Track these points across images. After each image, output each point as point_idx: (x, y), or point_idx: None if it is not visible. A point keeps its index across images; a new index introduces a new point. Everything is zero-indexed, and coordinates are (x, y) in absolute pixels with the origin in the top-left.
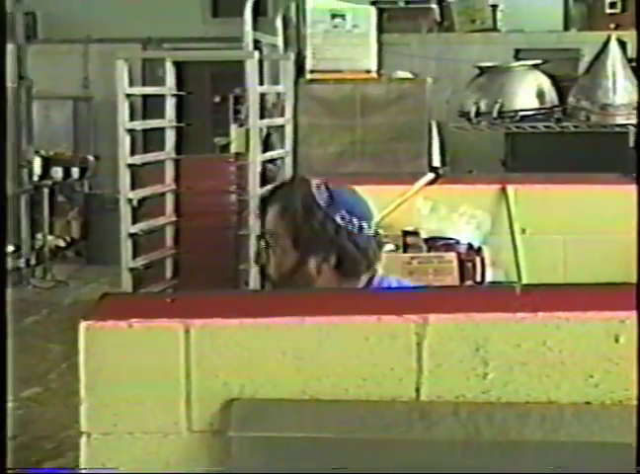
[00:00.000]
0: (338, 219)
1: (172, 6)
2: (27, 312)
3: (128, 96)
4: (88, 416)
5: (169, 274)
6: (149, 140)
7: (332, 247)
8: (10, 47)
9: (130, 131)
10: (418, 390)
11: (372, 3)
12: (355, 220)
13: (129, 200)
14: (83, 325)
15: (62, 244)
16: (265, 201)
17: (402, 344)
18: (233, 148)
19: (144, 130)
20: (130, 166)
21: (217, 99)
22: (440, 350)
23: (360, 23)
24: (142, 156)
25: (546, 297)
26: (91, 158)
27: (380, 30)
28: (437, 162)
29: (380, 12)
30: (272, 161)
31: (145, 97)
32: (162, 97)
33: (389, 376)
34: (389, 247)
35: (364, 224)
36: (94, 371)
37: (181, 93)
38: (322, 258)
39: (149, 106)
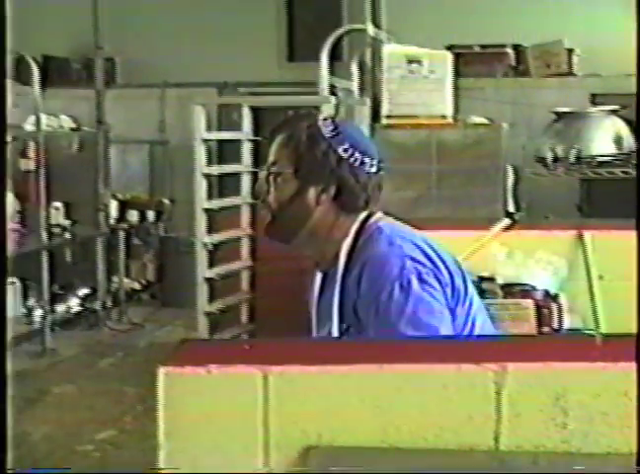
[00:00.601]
0: (341, 151)
1: (248, 51)
2: (103, 354)
3: (205, 141)
4: (167, 461)
5: (245, 318)
6: (225, 184)
7: (332, 178)
8: (90, 93)
9: (207, 176)
10: (497, 439)
11: (448, 48)
12: (357, 154)
13: (205, 245)
14: (162, 371)
15: (138, 287)
16: (272, 132)
17: (481, 392)
18: None
19: (220, 174)
20: (207, 210)
21: None
22: (519, 399)
23: (436, 68)
24: (219, 201)
25: (626, 346)
26: (166, 201)
27: (456, 74)
28: (512, 207)
29: (456, 57)
30: None
31: (221, 141)
32: (238, 141)
33: (468, 425)
34: None
35: (367, 160)
36: (173, 417)
37: (257, 138)
38: (322, 188)
39: (225, 150)
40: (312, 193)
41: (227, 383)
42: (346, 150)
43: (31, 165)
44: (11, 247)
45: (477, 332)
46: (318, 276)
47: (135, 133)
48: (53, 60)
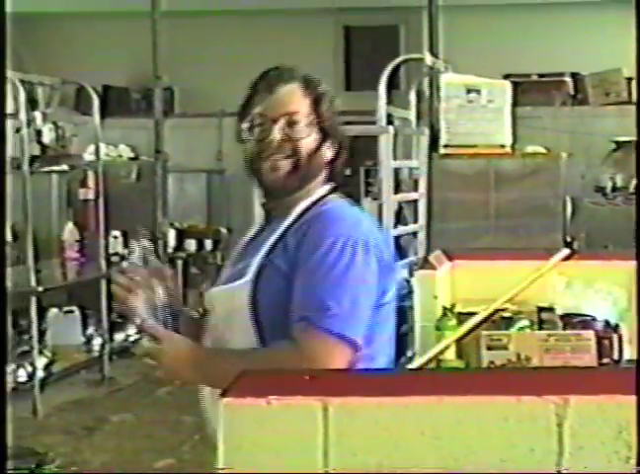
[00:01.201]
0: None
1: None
2: (160, 383)
3: None
4: None
5: None
6: None
7: (339, 135)
8: (148, 122)
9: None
10: (558, 472)
11: (505, 76)
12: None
13: None
14: (222, 401)
15: (195, 315)
16: (272, 80)
17: (542, 425)
18: None
19: None
20: None
21: (348, 172)
22: (581, 431)
23: (494, 97)
24: None
25: None
26: (224, 230)
27: (514, 103)
28: (571, 237)
29: (514, 85)
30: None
31: None
32: None
33: (529, 457)
34: (524, 323)
35: None
36: (233, 448)
37: None
38: (331, 143)
39: None
40: (326, 146)
41: (287, 414)
42: (340, 113)
43: (90, 194)
44: (70, 276)
45: (385, 330)
46: (259, 222)
47: (193, 162)
48: (113, 90)
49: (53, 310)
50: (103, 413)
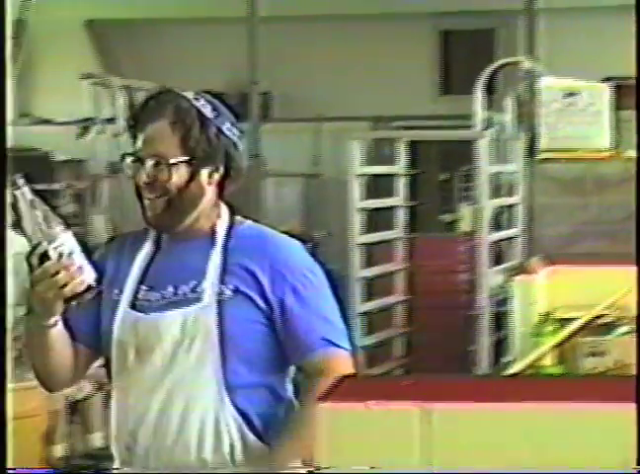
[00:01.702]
0: (225, 130)
1: (401, 85)
2: None
3: (360, 175)
4: None
5: (399, 352)
6: (377, 217)
7: (222, 158)
8: (246, 126)
9: (361, 210)
10: None
11: (605, 79)
12: (237, 132)
13: (360, 279)
14: (322, 406)
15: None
16: (136, 120)
17: None
18: (462, 226)
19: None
20: (361, 244)
21: (444, 176)
22: None
23: (594, 100)
24: (373, 235)
25: None
26: (320, 234)
27: (614, 107)
28: None
29: (614, 88)
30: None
31: (374, 175)
32: (390, 174)
33: (630, 465)
34: (625, 329)
35: (240, 135)
36: (331, 453)
37: (412, 172)
38: (214, 168)
39: (378, 183)
40: (205, 174)
41: (386, 420)
42: (229, 129)
43: None
44: None
45: None
46: (149, 243)
47: (290, 167)
48: (210, 95)
49: None
50: None
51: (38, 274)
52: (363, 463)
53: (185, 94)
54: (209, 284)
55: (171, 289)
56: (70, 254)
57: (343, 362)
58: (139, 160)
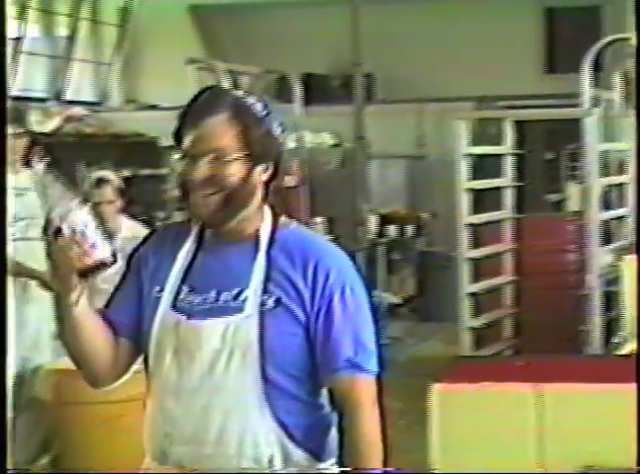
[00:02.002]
0: (275, 129)
1: (505, 64)
2: None
3: (466, 155)
4: None
5: (508, 333)
6: (483, 198)
7: (272, 156)
8: (349, 109)
9: (468, 190)
10: None
11: None
12: (282, 131)
13: (468, 260)
14: (436, 387)
15: (398, 301)
16: (198, 112)
17: None
18: (570, 206)
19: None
20: (469, 225)
21: (550, 155)
22: None
23: None
24: (481, 216)
25: None
26: (425, 216)
27: None
28: None
29: None
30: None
31: (479, 155)
32: (496, 155)
33: None
34: None
35: (285, 136)
36: (445, 433)
37: (519, 152)
38: (266, 167)
39: (483, 163)
40: (258, 171)
41: (500, 400)
42: (277, 128)
43: (294, 181)
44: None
45: None
46: (191, 241)
47: (394, 148)
48: (314, 78)
49: None
50: None
51: (51, 249)
52: (477, 443)
53: (235, 92)
54: (252, 294)
55: (213, 294)
56: (83, 230)
57: (365, 388)
58: (190, 156)
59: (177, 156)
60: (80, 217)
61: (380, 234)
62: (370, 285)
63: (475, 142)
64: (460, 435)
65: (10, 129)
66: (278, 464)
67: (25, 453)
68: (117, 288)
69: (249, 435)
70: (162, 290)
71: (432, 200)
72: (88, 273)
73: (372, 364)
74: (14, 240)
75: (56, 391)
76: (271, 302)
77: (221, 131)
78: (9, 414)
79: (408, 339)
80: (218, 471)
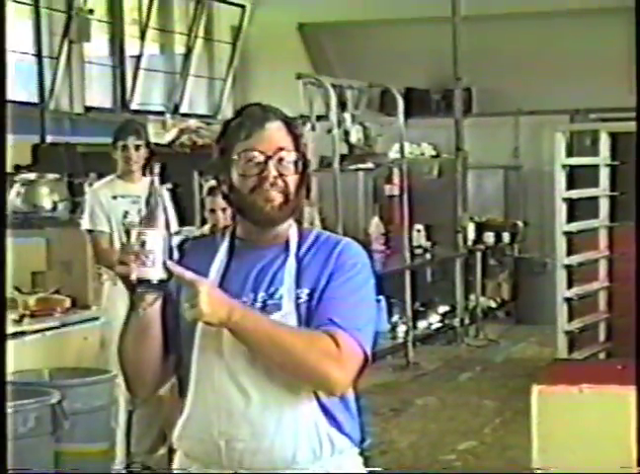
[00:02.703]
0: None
1: (599, 77)
2: (461, 368)
3: (564, 166)
4: None
5: (602, 337)
6: (576, 207)
7: (308, 170)
8: (448, 121)
9: (565, 200)
10: None
11: None
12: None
13: (564, 266)
14: (536, 389)
15: (493, 305)
16: (259, 116)
17: None
18: None
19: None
20: (565, 233)
21: None
22: None
23: None
24: (577, 224)
25: None
26: (520, 224)
27: None
28: None
29: None
30: None
31: (572, 166)
32: (590, 166)
33: None
34: None
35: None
36: (545, 433)
37: (614, 163)
38: (306, 177)
39: (576, 174)
40: (307, 176)
41: (600, 402)
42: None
43: (395, 190)
44: (376, 267)
45: None
46: (223, 250)
47: (491, 159)
48: (415, 92)
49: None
50: (408, 396)
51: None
52: (577, 443)
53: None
54: (287, 291)
55: (251, 296)
56: (151, 247)
57: (342, 340)
58: (258, 158)
59: (234, 157)
60: (155, 236)
61: (477, 241)
62: (468, 290)
63: (570, 153)
64: (560, 436)
65: (131, 141)
66: (327, 452)
67: (144, 444)
68: None
69: (302, 426)
70: None
71: (526, 209)
72: (133, 286)
73: (357, 334)
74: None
75: (172, 386)
76: (304, 295)
77: (282, 134)
78: (129, 407)
79: (503, 341)
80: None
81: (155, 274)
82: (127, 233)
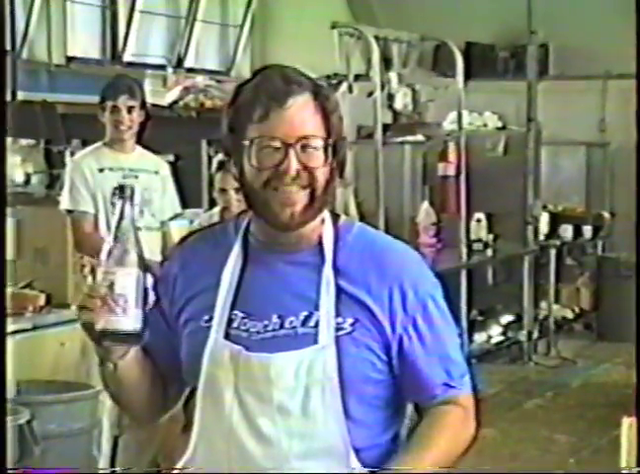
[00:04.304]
0: (345, 122)
1: None
2: (528, 393)
3: None
4: None
5: None
6: None
7: (343, 151)
8: (518, 85)
9: None
10: None
11: None
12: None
13: None
14: (627, 422)
15: (570, 315)
16: (280, 89)
17: None
18: None
19: None
20: None
21: None
22: None
23: None
24: None
25: None
26: (606, 215)
27: None
28: None
29: None
30: None
31: None
32: None
33: None
34: None
35: None
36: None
37: None
38: (340, 158)
39: None
40: (335, 167)
41: None
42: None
43: (450, 170)
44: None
45: None
46: (236, 252)
47: (571, 134)
48: (477, 47)
49: None
50: None
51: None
52: None
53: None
54: (325, 318)
55: (276, 320)
56: (121, 290)
57: (464, 403)
58: (275, 146)
59: (246, 144)
60: (127, 273)
61: (552, 235)
62: (538, 296)
63: None
64: None
65: (122, 101)
66: None
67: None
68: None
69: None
70: (210, 319)
71: (613, 196)
72: (99, 338)
73: (468, 382)
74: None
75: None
76: (347, 326)
77: (310, 114)
78: (114, 431)
79: (581, 361)
80: None
81: (126, 323)
82: (92, 272)
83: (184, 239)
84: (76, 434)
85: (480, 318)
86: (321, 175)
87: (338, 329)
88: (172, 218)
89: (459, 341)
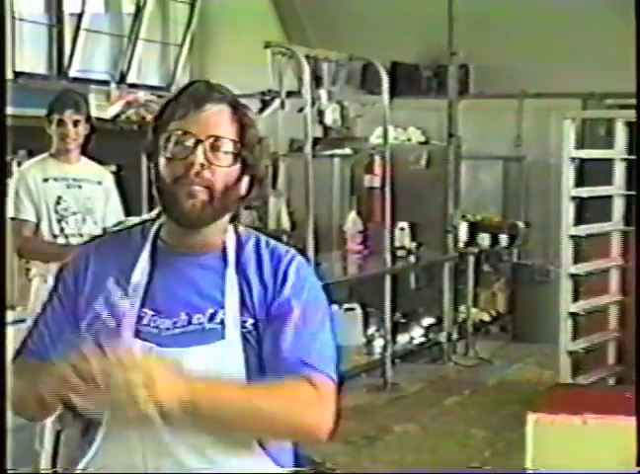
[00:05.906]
0: (260, 133)
1: (617, 57)
2: (448, 391)
3: (573, 159)
4: None
5: (611, 359)
6: (586, 208)
7: (258, 160)
8: (440, 103)
9: (573, 198)
10: None
11: None
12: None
13: (570, 276)
14: (532, 417)
15: (487, 318)
16: (201, 95)
17: None
18: None
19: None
20: (572, 237)
21: None
22: None
23: None
24: (587, 226)
25: None
26: (521, 224)
27: None
28: None
29: None
30: None
31: (583, 159)
32: (604, 160)
33: None
34: None
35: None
36: (542, 466)
37: (631, 157)
38: (251, 172)
39: (587, 169)
40: (245, 180)
41: (605, 435)
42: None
43: (376, 181)
44: (352, 270)
45: None
46: (146, 255)
47: (489, 148)
48: (402, 67)
49: (333, 307)
50: (384, 421)
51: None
52: None
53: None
54: (230, 315)
55: (184, 317)
56: None
57: (320, 385)
58: (186, 140)
59: (162, 140)
60: None
61: (470, 243)
62: (458, 300)
63: (580, 145)
64: (558, 469)
65: (68, 115)
66: None
67: (74, 470)
68: (38, 319)
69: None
70: (118, 317)
71: (527, 207)
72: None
73: (330, 369)
74: (66, 236)
75: None
76: (249, 324)
77: (224, 120)
78: (57, 426)
79: (497, 360)
80: None
81: None
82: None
83: (92, 240)
84: (18, 430)
85: (403, 320)
86: (222, 176)
87: (242, 326)
88: (114, 226)
89: (331, 337)
